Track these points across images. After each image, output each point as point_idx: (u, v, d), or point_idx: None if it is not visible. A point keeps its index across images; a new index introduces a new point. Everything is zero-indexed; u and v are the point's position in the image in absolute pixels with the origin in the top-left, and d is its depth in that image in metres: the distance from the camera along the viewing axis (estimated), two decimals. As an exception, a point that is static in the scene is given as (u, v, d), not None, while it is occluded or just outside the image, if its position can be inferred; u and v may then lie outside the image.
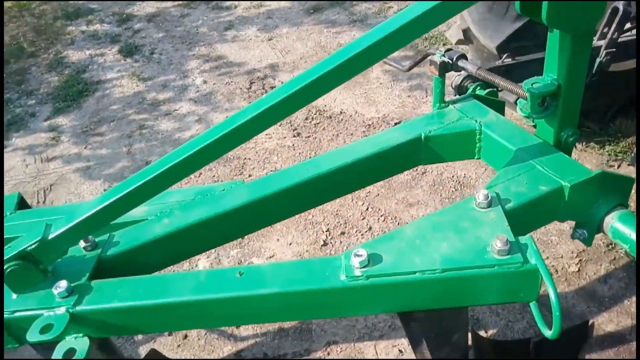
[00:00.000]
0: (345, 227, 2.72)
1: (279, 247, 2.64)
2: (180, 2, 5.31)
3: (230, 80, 4.04)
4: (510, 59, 1.97)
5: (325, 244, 2.63)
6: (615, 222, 1.34)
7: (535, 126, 1.56)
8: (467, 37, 2.55)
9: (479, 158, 1.63)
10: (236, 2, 5.14)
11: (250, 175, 3.13)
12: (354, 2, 4.79)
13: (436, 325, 1.21)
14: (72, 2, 5.62)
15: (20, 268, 1.19)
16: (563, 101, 1.38)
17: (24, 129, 3.84)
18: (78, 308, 1.17)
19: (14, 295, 1.21)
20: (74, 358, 1.13)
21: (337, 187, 1.56)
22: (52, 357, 1.12)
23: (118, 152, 3.45)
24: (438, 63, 1.62)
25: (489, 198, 1.25)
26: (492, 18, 2.28)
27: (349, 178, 1.55)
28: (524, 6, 1.24)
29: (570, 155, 1.51)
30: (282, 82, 3.91)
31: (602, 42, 2.03)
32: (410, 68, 1.88)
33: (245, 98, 3.81)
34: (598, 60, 2.06)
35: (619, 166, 2.77)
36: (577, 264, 2.31)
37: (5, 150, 3.63)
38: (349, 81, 3.78)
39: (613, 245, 2.38)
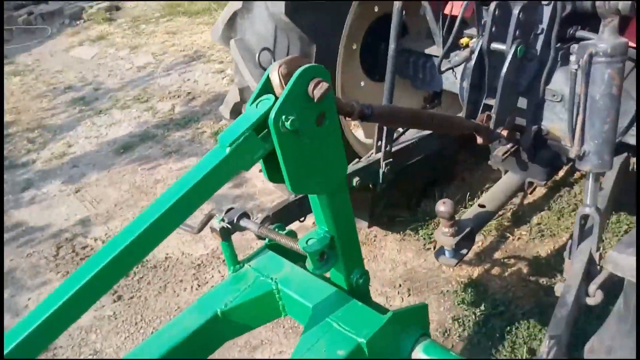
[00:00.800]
0: None
1: None
2: (-36, 168, 4.63)
3: (32, 250, 3.49)
4: (294, 195, 1.98)
5: None
6: (422, 355, 1.32)
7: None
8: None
9: (287, 315, 1.52)
10: (34, 156, 4.66)
11: (64, 368, 2.61)
12: (166, 134, 4.70)
13: None
14: None
15: None
16: (341, 250, 1.35)
17: None
18: None
19: None
20: None
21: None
22: None
23: None
24: (218, 229, 1.51)
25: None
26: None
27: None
28: (271, 176, 1.21)
29: (367, 294, 1.49)
30: (95, 239, 3.51)
31: (380, 155, 2.17)
32: (200, 230, 1.76)
33: (52, 268, 3.30)
34: (381, 171, 2.19)
35: (435, 248, 2.96)
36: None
37: None
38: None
39: None
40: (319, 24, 2.03)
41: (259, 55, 1.17)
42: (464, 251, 2.09)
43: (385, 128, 2.11)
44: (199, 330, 1.39)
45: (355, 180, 2.07)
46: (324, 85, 1.04)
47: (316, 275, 1.49)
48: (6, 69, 6.54)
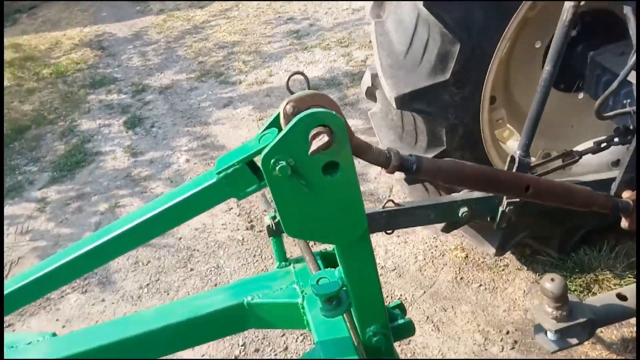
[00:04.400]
0: (262, 343, 2.58)
1: (192, 355, 2.55)
2: (193, 75, 5.57)
3: (211, 161, 4.11)
4: (392, 203, 1.80)
5: (236, 360, 2.51)
6: None
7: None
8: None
9: (310, 330, 1.48)
10: (242, 78, 5.31)
11: (191, 270, 3.10)
12: (350, 85, 4.75)
13: None
14: (101, 70, 6.09)
15: None
16: (354, 301, 1.21)
17: (18, 197, 4.11)
18: None
19: None
20: None
21: (147, 351, 1.47)
22: None
23: (86, 230, 3.58)
24: (266, 226, 1.51)
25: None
26: (402, 146, 2.12)
27: (159, 343, 1.46)
28: None
29: (382, 353, 1.32)
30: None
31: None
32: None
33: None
34: (501, 209, 1.83)
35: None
36: None
37: (-8, 218, 3.90)
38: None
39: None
40: (470, 20, 1.68)
41: (288, 80, 1.05)
42: (574, 341, 1.65)
43: (516, 162, 1.71)
44: (223, 311, 1.46)
45: (463, 212, 1.77)
46: (323, 139, 0.87)
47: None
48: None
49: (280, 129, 0.99)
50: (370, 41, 2.07)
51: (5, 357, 1.42)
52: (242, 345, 2.59)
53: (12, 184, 4.30)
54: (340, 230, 1.07)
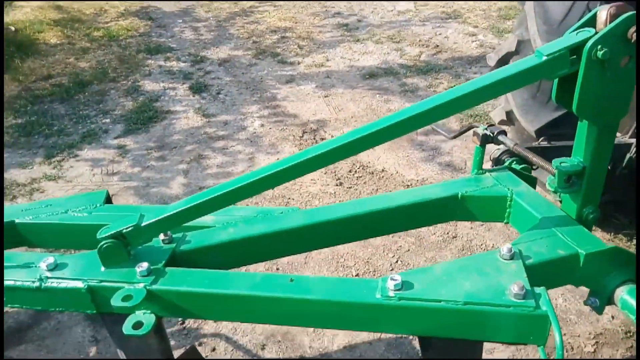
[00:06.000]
0: (374, 275, 2.89)
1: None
2: (250, 53, 5.86)
3: (285, 127, 4.41)
4: (546, 142, 2.20)
5: (352, 286, 2.80)
6: (625, 295, 1.49)
7: (561, 201, 1.76)
8: (509, 118, 2.81)
9: (507, 222, 1.82)
10: (300, 59, 5.64)
11: (291, 214, 3.38)
12: (408, 74, 5.18)
13: (451, 355, 1.37)
14: (154, 39, 6.28)
15: (113, 246, 1.44)
16: (586, 181, 1.58)
17: (95, 142, 4.28)
18: (154, 287, 1.39)
19: (103, 268, 1.46)
20: (139, 331, 1.34)
21: (378, 227, 1.78)
22: (123, 328, 1.33)
23: (176, 176, 3.80)
24: (480, 134, 1.87)
25: (512, 252, 1.44)
26: (534, 104, 2.53)
27: (389, 221, 1.77)
28: (558, 96, 1.49)
29: (590, 230, 1.70)
30: (332, 136, 4.24)
31: (634, 140, 2.23)
32: (455, 137, 2.14)
33: (296, 145, 4.14)
34: (628, 155, 2.25)
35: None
36: (594, 345, 2.39)
37: (76, 158, 4.05)
38: (393, 143, 3.95)
39: (631, 334, 2.46)
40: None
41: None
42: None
43: (651, 115, 2.14)
44: (440, 200, 1.79)
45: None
46: (645, 31, 1.25)
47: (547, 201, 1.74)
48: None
49: (594, 29, 1.36)
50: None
51: (260, 224, 1.71)
52: (355, 276, 2.89)
53: (87, 130, 4.45)
54: (610, 112, 1.45)
